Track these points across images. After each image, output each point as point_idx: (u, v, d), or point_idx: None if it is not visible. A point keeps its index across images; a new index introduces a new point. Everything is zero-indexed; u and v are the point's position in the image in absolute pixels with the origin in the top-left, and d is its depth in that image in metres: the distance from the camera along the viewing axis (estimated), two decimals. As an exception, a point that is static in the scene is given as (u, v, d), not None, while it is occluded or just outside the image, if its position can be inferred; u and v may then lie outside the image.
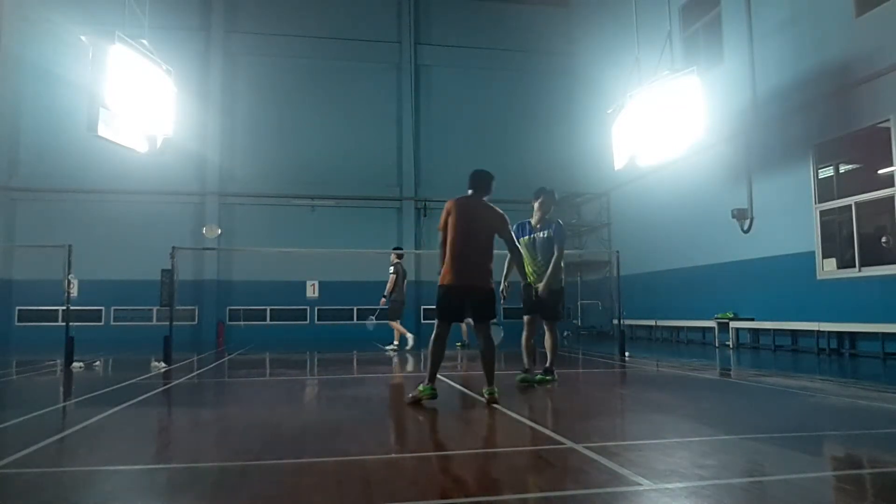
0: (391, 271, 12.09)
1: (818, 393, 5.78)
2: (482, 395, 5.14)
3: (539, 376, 6.25)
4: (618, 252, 11.28)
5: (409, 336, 11.97)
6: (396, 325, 12.04)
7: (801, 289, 10.44)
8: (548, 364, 6.33)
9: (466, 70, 19.83)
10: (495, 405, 4.96)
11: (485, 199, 5.34)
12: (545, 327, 6.35)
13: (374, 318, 12.23)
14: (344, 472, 3.10)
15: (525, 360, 6.33)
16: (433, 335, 5.20)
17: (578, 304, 18.17)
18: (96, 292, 15.89)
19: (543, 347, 6.42)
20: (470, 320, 5.26)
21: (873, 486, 2.94)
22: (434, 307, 5.25)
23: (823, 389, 6.00)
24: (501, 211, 5.31)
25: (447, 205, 5.22)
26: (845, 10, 9.73)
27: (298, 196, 18.26)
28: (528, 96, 19.79)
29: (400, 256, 12.27)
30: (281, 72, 18.74)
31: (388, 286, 11.99)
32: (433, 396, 5.04)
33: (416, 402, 5.02)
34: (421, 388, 5.07)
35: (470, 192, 5.34)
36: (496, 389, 5.09)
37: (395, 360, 10.28)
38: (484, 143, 19.04)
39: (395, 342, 11.97)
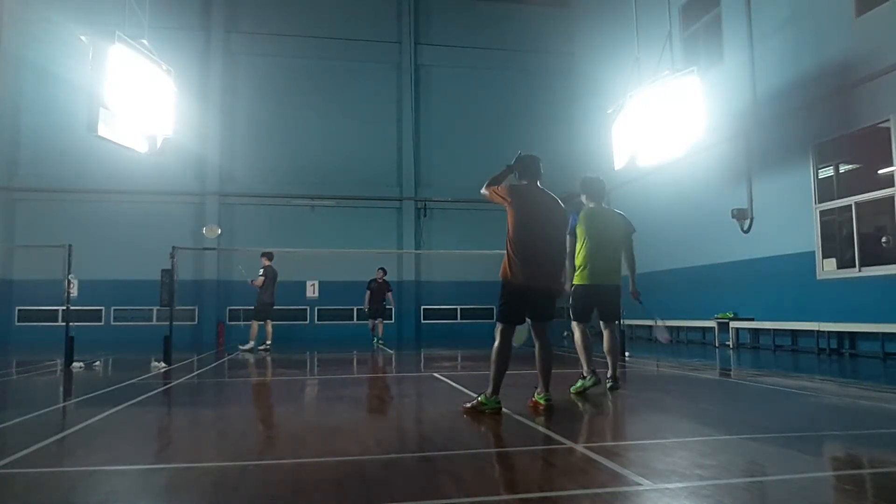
0: (260, 273, 12.42)
1: (818, 393, 5.78)
2: (538, 401, 4.74)
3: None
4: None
5: (269, 342, 12.25)
6: (265, 325, 12.29)
7: (801, 289, 10.44)
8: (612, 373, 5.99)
9: (466, 70, 19.82)
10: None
11: (539, 184, 4.83)
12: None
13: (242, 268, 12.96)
14: (344, 472, 3.10)
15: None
16: (498, 341, 4.60)
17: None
18: (96, 292, 15.89)
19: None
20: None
21: (873, 486, 2.94)
22: (500, 307, 4.71)
23: (823, 389, 6.00)
24: (562, 204, 4.85)
25: (508, 188, 4.70)
26: (845, 10, 9.73)
27: (298, 196, 18.25)
28: (528, 96, 19.78)
29: (270, 259, 12.58)
30: (281, 72, 18.73)
31: (258, 284, 12.36)
32: (498, 410, 4.53)
33: (474, 413, 4.54)
34: (483, 398, 4.57)
35: (524, 182, 4.80)
36: (551, 395, 4.73)
37: (265, 358, 10.55)
38: (484, 144, 19.01)
39: (252, 342, 12.21)
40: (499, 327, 4.69)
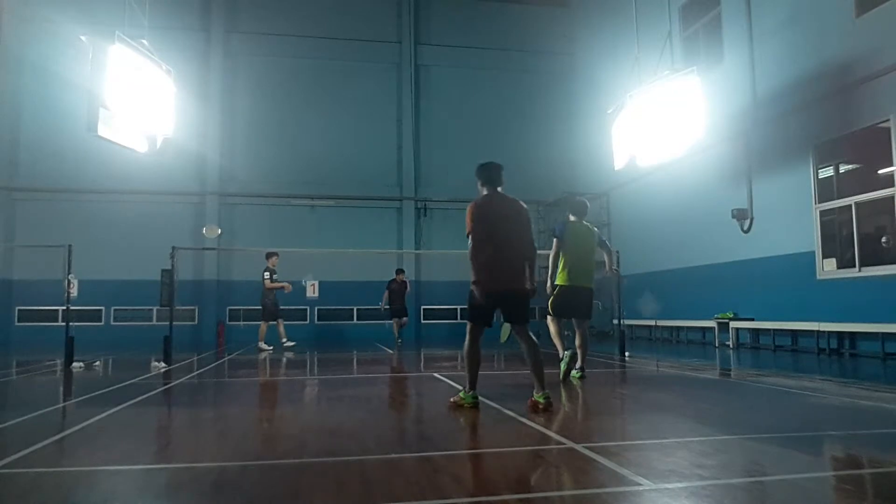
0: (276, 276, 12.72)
1: (818, 393, 5.78)
2: (537, 400, 4.73)
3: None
4: (618, 252, 11.27)
5: (263, 343, 12.50)
6: (270, 326, 12.57)
7: (801, 289, 10.44)
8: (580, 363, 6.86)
9: (466, 70, 19.81)
10: (489, 402, 4.99)
11: (500, 190, 5.03)
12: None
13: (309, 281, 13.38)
14: (344, 472, 3.10)
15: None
16: (468, 340, 4.92)
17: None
18: (96, 292, 15.87)
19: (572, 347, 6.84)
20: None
21: (873, 486, 2.94)
22: (467, 309, 4.98)
23: (823, 389, 6.00)
24: (525, 206, 5.07)
25: (471, 209, 4.87)
26: (845, 10, 9.73)
27: (298, 196, 18.24)
28: (528, 96, 19.77)
29: (268, 257, 12.90)
30: (281, 72, 18.72)
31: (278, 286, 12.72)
32: (476, 405, 4.87)
33: (456, 407, 4.90)
34: (462, 395, 4.95)
35: (485, 190, 5.02)
36: (549, 393, 4.78)
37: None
38: (484, 144, 19.00)
39: (262, 342, 12.44)
40: (468, 327, 4.96)
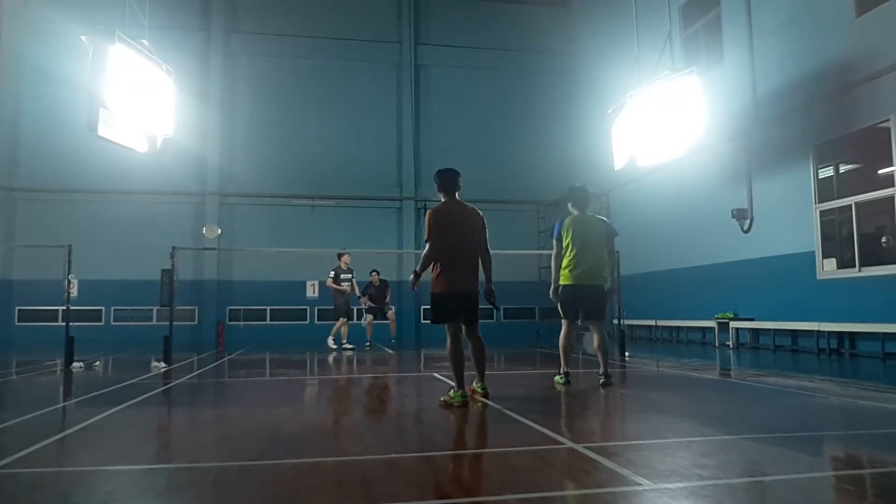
0: (331, 276, 12.76)
1: (818, 393, 5.78)
2: (476, 391, 5.36)
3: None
4: (617, 252, 11.24)
5: (346, 342, 12.53)
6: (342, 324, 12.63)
7: (801, 289, 10.44)
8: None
9: (466, 70, 19.80)
10: (488, 402, 5.02)
11: (457, 196, 5.36)
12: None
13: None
14: (344, 472, 3.11)
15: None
16: (449, 341, 5.24)
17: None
18: (96, 292, 15.88)
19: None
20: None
21: (873, 486, 2.94)
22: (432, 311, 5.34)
23: (823, 389, 6.00)
24: (481, 213, 5.38)
25: (429, 216, 5.23)
26: (845, 10, 9.73)
27: (298, 196, 18.23)
28: (528, 96, 19.77)
29: (339, 257, 13.05)
30: (281, 72, 18.72)
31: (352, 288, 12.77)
32: (465, 403, 5.02)
33: (448, 406, 5.04)
34: (452, 393, 5.12)
35: (442, 197, 5.36)
36: (486, 385, 5.34)
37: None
38: (484, 144, 19.04)
39: (343, 340, 12.51)
40: (446, 328, 5.25)
